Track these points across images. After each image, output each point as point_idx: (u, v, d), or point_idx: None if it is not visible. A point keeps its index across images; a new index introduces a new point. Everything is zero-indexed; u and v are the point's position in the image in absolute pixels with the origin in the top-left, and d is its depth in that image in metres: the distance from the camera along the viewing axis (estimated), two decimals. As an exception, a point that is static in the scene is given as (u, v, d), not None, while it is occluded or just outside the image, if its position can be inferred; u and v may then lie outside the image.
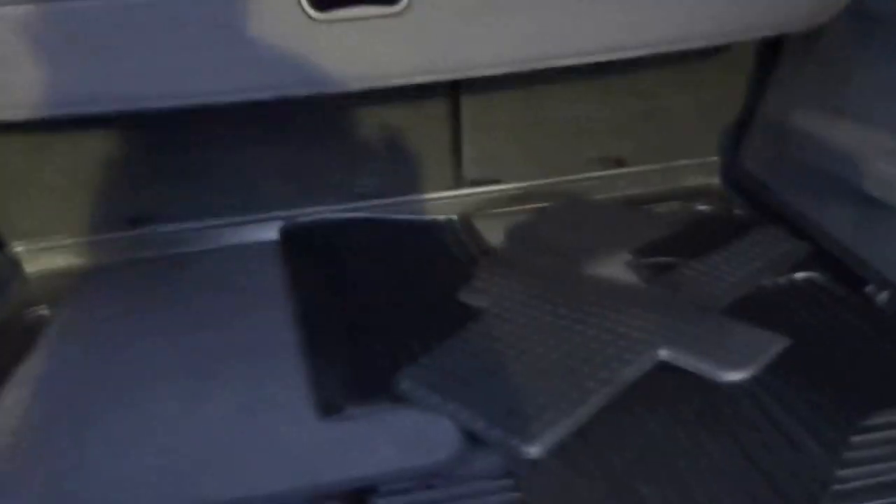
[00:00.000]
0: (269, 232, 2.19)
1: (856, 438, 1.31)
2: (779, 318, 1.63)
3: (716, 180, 2.36)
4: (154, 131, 2.08)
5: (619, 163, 2.34)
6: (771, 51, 2.15)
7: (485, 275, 1.88)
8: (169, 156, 2.13)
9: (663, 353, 1.51)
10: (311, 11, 1.60)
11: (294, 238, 2.18)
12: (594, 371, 1.46)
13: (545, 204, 2.25)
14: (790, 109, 2.08)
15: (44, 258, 2.13)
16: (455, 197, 2.27)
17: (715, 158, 2.37)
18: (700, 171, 2.37)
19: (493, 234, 2.13)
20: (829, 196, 1.91)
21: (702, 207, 2.23)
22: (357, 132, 2.21)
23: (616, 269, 1.91)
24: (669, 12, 1.76)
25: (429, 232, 2.21)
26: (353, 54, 1.69)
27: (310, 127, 2.16)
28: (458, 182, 2.29)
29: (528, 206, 2.24)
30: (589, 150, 2.30)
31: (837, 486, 1.22)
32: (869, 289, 1.73)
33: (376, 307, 1.82)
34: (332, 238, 2.17)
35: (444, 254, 2.08)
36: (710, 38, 1.85)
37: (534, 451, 1.30)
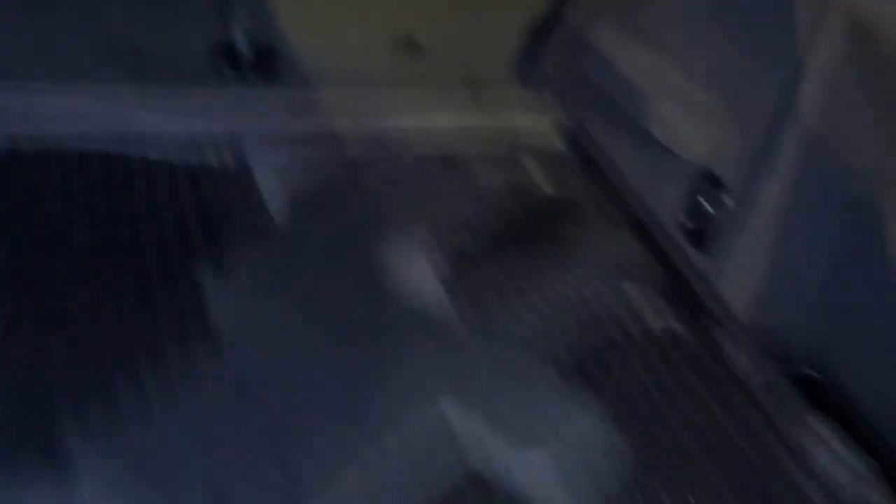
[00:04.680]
0: None
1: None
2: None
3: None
4: None
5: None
6: None
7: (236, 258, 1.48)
8: None
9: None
10: None
11: None
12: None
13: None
14: (592, 18, 1.94)
15: None
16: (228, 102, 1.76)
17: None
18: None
19: (269, 183, 1.67)
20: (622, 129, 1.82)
21: (528, 160, 1.94)
22: None
23: (408, 263, 1.59)
24: None
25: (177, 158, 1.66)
26: None
27: None
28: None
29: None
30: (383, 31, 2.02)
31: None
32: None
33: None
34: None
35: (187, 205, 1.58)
36: None
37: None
